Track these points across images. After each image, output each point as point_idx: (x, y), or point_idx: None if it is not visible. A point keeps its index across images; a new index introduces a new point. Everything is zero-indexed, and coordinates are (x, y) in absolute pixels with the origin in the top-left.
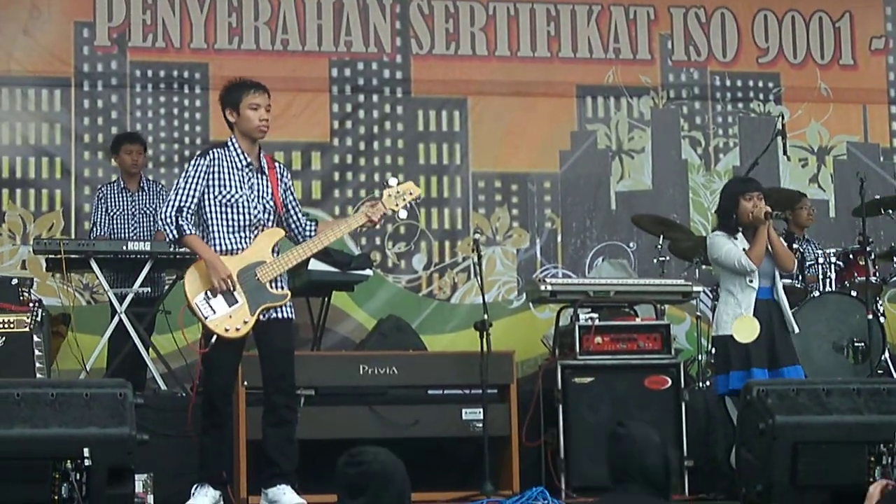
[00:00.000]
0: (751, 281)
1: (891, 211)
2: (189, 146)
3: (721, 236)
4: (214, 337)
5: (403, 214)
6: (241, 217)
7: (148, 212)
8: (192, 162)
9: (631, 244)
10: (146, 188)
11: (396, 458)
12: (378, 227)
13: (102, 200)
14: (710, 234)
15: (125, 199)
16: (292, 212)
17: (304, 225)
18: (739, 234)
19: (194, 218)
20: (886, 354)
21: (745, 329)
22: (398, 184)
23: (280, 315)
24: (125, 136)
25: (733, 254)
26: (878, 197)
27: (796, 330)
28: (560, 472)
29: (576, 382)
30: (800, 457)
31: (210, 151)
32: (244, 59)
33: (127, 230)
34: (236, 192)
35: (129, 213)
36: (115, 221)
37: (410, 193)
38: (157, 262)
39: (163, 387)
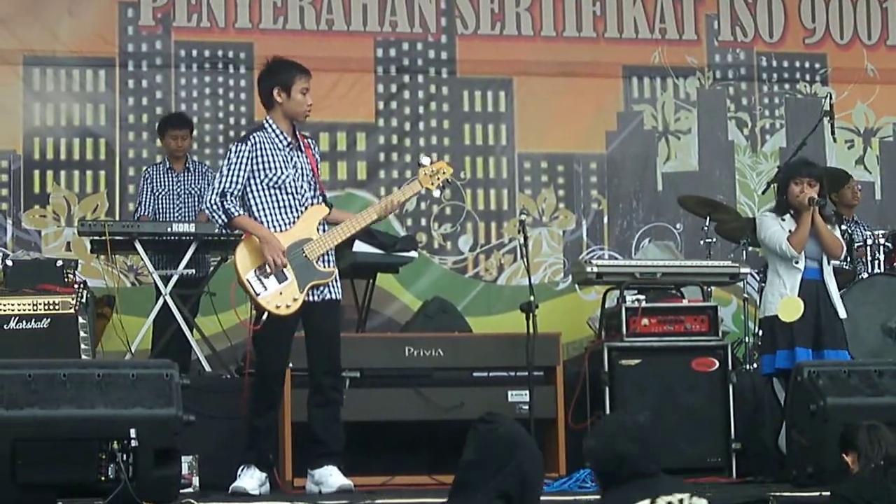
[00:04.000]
0: (796, 262)
1: None
2: (234, 126)
3: (769, 217)
4: (266, 314)
5: (437, 193)
6: (290, 197)
7: (193, 192)
8: (234, 148)
9: (677, 225)
10: (192, 169)
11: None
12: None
13: (148, 181)
14: (759, 213)
15: (171, 179)
16: None
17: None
18: (788, 216)
19: (239, 203)
20: None
21: (790, 308)
22: (431, 163)
23: (329, 296)
24: (172, 120)
25: (777, 237)
26: None
27: (844, 315)
28: None
29: (622, 364)
30: None
31: (251, 136)
32: (289, 38)
33: (172, 211)
34: (282, 172)
35: (175, 193)
36: (160, 202)
37: (444, 172)
38: (202, 243)
39: (207, 368)
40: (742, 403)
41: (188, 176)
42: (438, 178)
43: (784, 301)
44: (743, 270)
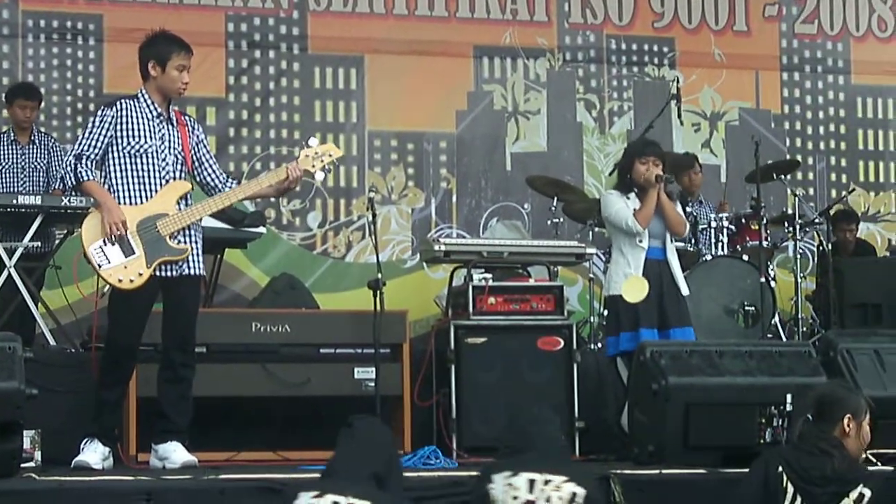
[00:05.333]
0: (640, 241)
1: (783, 176)
2: (82, 99)
3: (614, 195)
4: (108, 287)
5: (320, 176)
6: (150, 167)
7: (39, 166)
8: (98, 112)
9: (525, 205)
10: (37, 141)
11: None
12: (295, 188)
13: None
14: (604, 192)
15: (15, 151)
16: (207, 165)
17: (223, 180)
18: (632, 194)
19: (97, 168)
20: (776, 318)
21: (634, 289)
22: (318, 144)
23: (187, 272)
24: (22, 90)
25: (622, 214)
26: (770, 162)
27: (686, 292)
28: (451, 432)
29: (468, 343)
30: (692, 418)
31: (118, 102)
32: (139, 11)
33: (16, 183)
34: (146, 142)
35: (19, 166)
36: (3, 175)
37: (330, 155)
38: (48, 216)
39: (52, 342)
40: (586, 382)
41: (33, 149)
42: (323, 161)
43: (628, 281)
44: (589, 251)
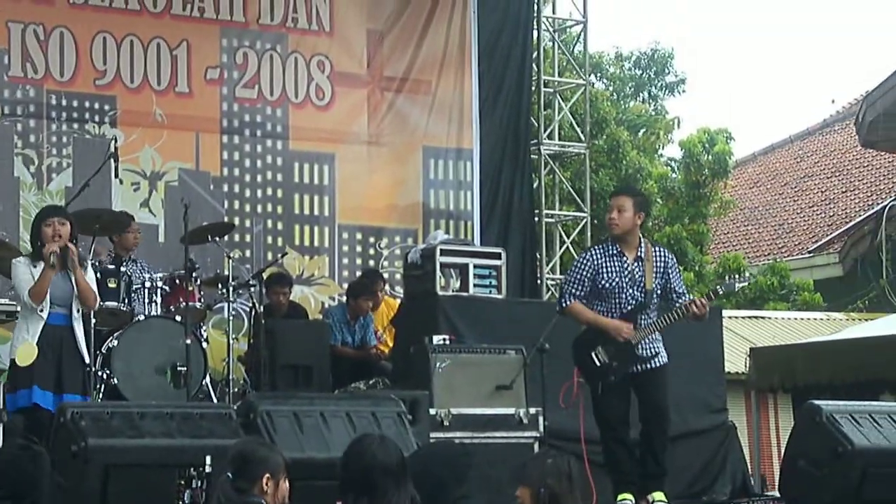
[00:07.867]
0: (41, 310)
1: (217, 238)
2: None
3: (21, 264)
4: None
5: None
6: None
7: None
8: None
9: None
10: None
11: None
12: None
13: None
14: (14, 259)
15: None
16: None
17: None
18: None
19: None
20: (207, 379)
21: (24, 354)
22: None
23: None
24: None
25: (22, 287)
26: (205, 224)
27: (87, 359)
28: None
29: None
30: (111, 480)
31: None
32: None
33: None
34: None
35: None
36: None
37: None
38: None
39: None
40: (12, 441)
41: None
42: None
43: (21, 347)
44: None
